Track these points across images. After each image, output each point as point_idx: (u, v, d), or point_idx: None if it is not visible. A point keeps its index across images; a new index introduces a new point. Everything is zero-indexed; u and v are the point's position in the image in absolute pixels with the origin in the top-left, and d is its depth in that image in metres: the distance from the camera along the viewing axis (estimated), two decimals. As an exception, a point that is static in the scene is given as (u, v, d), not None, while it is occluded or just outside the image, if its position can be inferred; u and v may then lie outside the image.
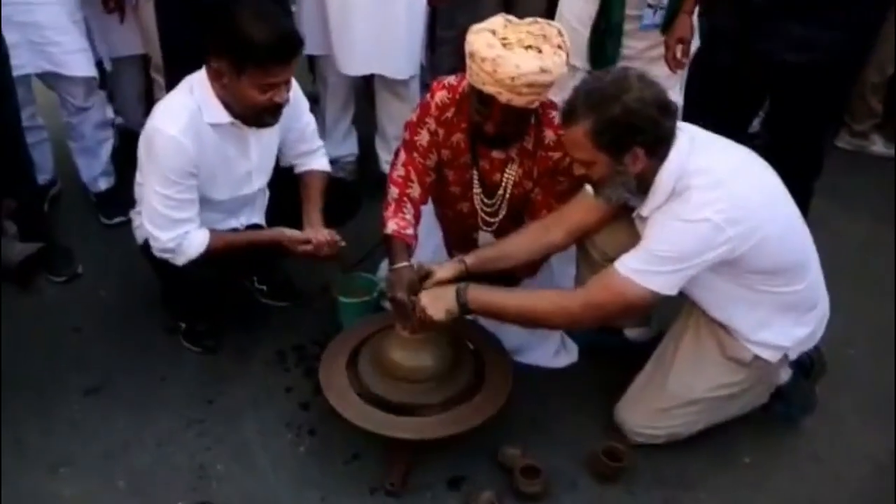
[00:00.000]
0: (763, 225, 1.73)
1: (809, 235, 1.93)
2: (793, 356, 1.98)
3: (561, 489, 1.95)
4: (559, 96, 2.34)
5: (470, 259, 2.04)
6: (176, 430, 2.10)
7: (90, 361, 2.30)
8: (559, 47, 1.85)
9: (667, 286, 1.75)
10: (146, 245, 2.17)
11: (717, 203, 1.69)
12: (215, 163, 2.07)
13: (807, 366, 2.14)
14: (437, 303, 1.88)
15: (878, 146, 3.58)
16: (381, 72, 2.77)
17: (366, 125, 3.20)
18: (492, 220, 2.22)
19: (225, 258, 2.12)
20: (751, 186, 1.77)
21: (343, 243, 2.21)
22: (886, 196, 3.22)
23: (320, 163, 2.35)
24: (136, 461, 2.01)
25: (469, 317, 2.22)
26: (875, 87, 3.46)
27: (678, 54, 2.46)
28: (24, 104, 2.64)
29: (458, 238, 2.35)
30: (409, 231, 2.08)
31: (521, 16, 1.93)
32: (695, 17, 2.50)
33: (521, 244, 2.06)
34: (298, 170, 2.35)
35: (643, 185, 1.81)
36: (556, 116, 2.04)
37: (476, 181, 2.17)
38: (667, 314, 2.17)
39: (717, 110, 2.27)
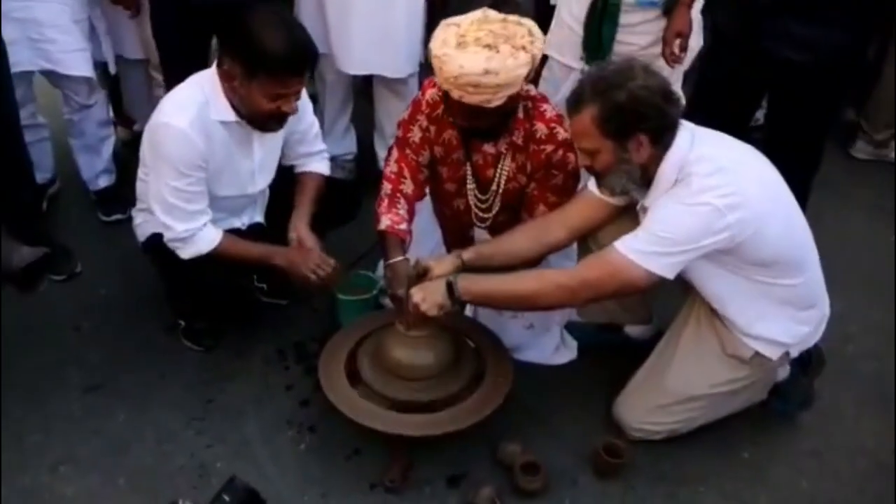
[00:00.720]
0: (763, 214, 1.75)
1: (809, 232, 1.94)
2: (794, 354, 1.99)
3: (561, 486, 1.96)
4: (556, 97, 2.37)
5: (467, 255, 2.04)
6: (176, 428, 2.10)
7: (90, 359, 2.30)
8: (522, 48, 1.85)
9: (664, 268, 1.75)
10: (148, 242, 2.17)
11: (719, 189, 1.70)
12: (221, 159, 2.07)
13: (805, 362, 2.14)
14: (429, 298, 1.87)
15: None
16: (381, 71, 2.78)
17: (364, 124, 3.20)
18: (485, 215, 2.23)
19: (230, 263, 2.12)
20: (751, 176, 1.78)
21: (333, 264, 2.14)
22: (893, 198, 3.22)
23: (319, 166, 2.35)
24: (137, 459, 2.01)
25: (468, 313, 2.25)
26: None
27: (676, 49, 2.46)
28: (25, 102, 2.64)
29: (456, 235, 2.36)
30: (403, 226, 2.10)
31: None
32: (698, 14, 2.49)
33: (520, 242, 2.06)
34: (298, 169, 2.35)
35: (646, 176, 1.82)
36: (547, 110, 2.05)
37: (469, 176, 2.17)
38: (667, 312, 2.18)
39: (718, 107, 2.28)
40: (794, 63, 2.18)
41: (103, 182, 2.95)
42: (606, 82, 1.74)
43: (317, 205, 2.25)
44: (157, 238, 2.11)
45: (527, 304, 1.93)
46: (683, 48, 2.43)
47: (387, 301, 2.41)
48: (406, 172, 2.15)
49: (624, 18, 2.48)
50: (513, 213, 2.20)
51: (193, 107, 1.98)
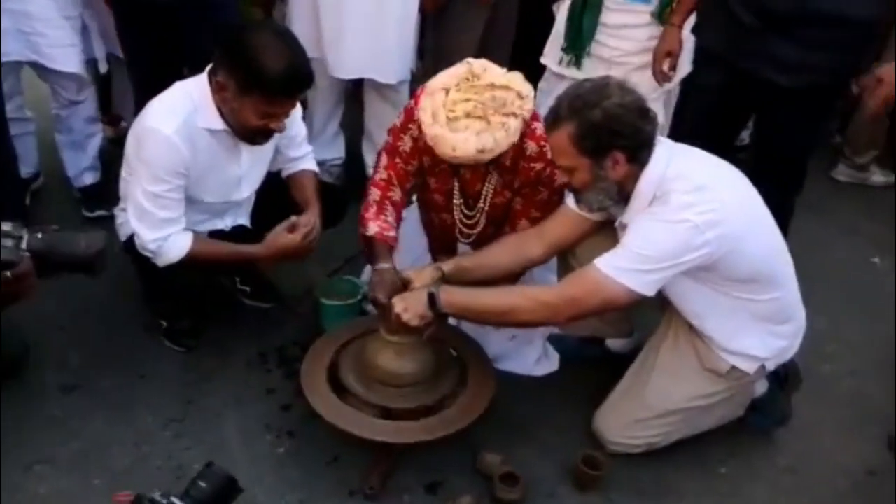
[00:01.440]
0: (740, 231, 1.77)
1: (785, 246, 1.97)
2: (770, 367, 2.01)
3: (540, 497, 1.96)
4: (546, 104, 2.39)
5: (448, 266, 2.05)
6: (154, 430, 2.08)
7: (69, 359, 2.28)
8: (513, 115, 1.87)
9: (644, 285, 1.77)
10: (129, 242, 2.16)
11: (697, 206, 1.72)
12: (206, 166, 2.07)
13: (782, 378, 2.17)
14: (411, 308, 1.88)
15: (878, 176, 3.62)
16: (373, 76, 2.79)
17: (353, 129, 3.21)
18: (471, 231, 2.24)
19: (209, 265, 2.11)
20: (729, 193, 1.80)
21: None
22: (874, 220, 3.29)
23: (310, 164, 2.36)
24: (114, 460, 1.99)
25: (451, 321, 2.25)
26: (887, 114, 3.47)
27: (665, 67, 2.49)
28: (12, 94, 2.63)
29: (441, 245, 2.37)
30: (391, 233, 2.10)
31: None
32: (691, 40, 2.51)
33: (500, 256, 2.07)
34: (286, 173, 2.35)
35: (624, 193, 1.84)
36: (538, 127, 2.06)
37: (457, 191, 2.19)
38: (648, 326, 2.20)
39: (703, 127, 2.30)
40: (777, 84, 2.21)
41: (88, 179, 2.93)
42: (582, 100, 1.76)
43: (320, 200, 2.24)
44: (136, 239, 2.10)
45: (507, 320, 1.93)
46: (673, 67, 2.46)
47: (370, 307, 2.42)
48: (395, 180, 2.16)
49: (609, 17, 2.51)
50: (497, 228, 2.22)
51: (181, 113, 1.98)
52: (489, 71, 1.92)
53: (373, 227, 2.08)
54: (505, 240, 2.10)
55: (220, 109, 2.01)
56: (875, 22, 2.14)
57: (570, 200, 2.00)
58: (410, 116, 2.12)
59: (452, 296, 1.87)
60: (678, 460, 2.07)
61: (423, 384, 1.98)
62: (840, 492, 2.06)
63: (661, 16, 2.47)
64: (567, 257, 2.13)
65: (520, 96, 1.90)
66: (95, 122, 2.90)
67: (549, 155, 2.03)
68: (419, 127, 2.09)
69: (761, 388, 2.15)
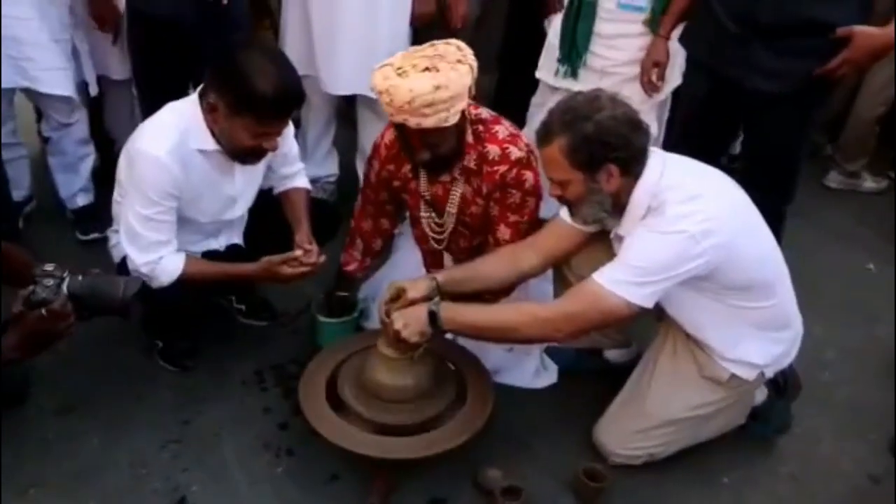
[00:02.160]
0: (736, 239, 1.77)
1: (779, 252, 1.97)
2: (769, 374, 2.01)
3: (542, 510, 1.94)
4: (537, 117, 2.41)
5: (442, 277, 2.05)
6: (151, 451, 2.06)
7: (64, 380, 2.25)
8: (458, 62, 1.90)
9: (643, 298, 1.76)
10: (123, 263, 2.14)
11: (693, 216, 1.73)
12: (200, 187, 2.06)
13: (781, 385, 2.17)
14: (411, 325, 1.87)
15: (869, 182, 3.65)
16: (366, 92, 2.78)
17: (345, 147, 3.21)
18: (440, 237, 2.27)
19: (203, 286, 2.10)
20: (724, 201, 1.81)
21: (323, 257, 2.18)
22: (871, 227, 3.31)
23: (302, 181, 2.36)
24: (109, 483, 1.97)
25: (449, 336, 2.24)
26: (878, 120, 3.49)
27: (653, 77, 2.50)
28: (6, 120, 2.62)
29: (432, 259, 2.38)
30: (350, 267, 2.40)
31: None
32: (682, 52, 2.53)
33: (493, 267, 2.07)
34: (279, 190, 2.35)
35: (618, 205, 1.84)
36: (500, 131, 2.09)
37: (423, 203, 2.22)
38: (647, 336, 2.20)
39: (693, 138, 2.31)
40: (762, 91, 2.22)
41: (81, 201, 2.92)
42: (574, 113, 1.76)
43: (311, 218, 2.24)
44: (131, 260, 2.09)
45: (509, 337, 1.93)
46: (661, 77, 2.47)
47: (367, 324, 2.41)
48: (367, 208, 2.35)
49: (602, 27, 2.52)
50: (473, 236, 2.23)
51: (173, 134, 1.97)
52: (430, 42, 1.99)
53: (342, 258, 2.32)
54: (499, 251, 2.10)
55: (211, 130, 2.01)
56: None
57: (563, 212, 2.00)
58: (376, 150, 2.26)
59: (453, 313, 1.87)
60: (680, 471, 2.06)
61: (421, 399, 1.97)
62: (842, 499, 2.05)
63: (654, 24, 2.49)
64: (563, 269, 2.13)
65: (460, 48, 1.95)
66: (87, 144, 2.89)
67: (514, 157, 2.05)
68: (384, 159, 2.23)
69: (761, 395, 2.14)
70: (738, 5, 2.17)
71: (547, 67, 2.70)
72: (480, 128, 2.09)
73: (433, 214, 2.25)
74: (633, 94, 2.39)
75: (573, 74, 2.63)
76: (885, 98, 3.43)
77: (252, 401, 2.24)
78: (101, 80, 2.90)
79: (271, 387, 2.29)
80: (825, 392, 2.37)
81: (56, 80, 2.58)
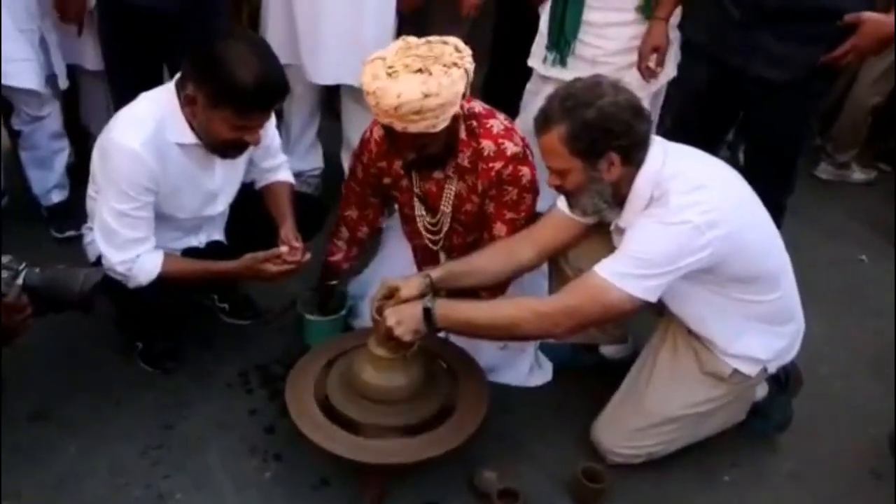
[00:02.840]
0: (741, 229, 1.72)
1: (782, 244, 1.92)
2: (771, 370, 1.97)
3: (540, 513, 1.89)
4: (533, 106, 2.35)
5: (436, 273, 1.97)
6: (131, 458, 1.97)
7: (38, 383, 2.15)
8: (454, 65, 1.81)
9: (647, 291, 1.70)
10: (99, 262, 2.05)
11: (697, 206, 1.67)
12: (178, 181, 1.97)
13: (782, 380, 2.13)
14: (405, 322, 1.79)
15: (858, 174, 3.64)
16: (351, 81, 2.70)
17: (328, 139, 3.12)
18: (435, 237, 2.20)
19: (183, 285, 2.02)
20: (727, 191, 1.76)
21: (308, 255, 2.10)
22: (862, 220, 3.28)
23: (285, 175, 2.28)
24: (88, 492, 1.88)
25: (441, 334, 2.17)
26: (872, 110, 3.47)
27: (651, 63, 2.44)
28: None
29: (425, 256, 2.31)
30: (335, 257, 2.32)
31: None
32: (677, 35, 2.46)
33: (489, 262, 2.00)
34: (261, 184, 2.26)
35: (618, 195, 1.78)
36: (494, 125, 2.01)
37: (416, 202, 2.15)
38: (644, 331, 2.14)
39: (691, 127, 2.26)
40: (766, 80, 2.17)
41: (56, 197, 2.82)
42: (575, 100, 1.70)
43: (295, 212, 2.16)
44: (105, 258, 2.00)
45: (506, 333, 1.86)
46: (660, 63, 2.41)
47: (357, 322, 2.34)
48: (351, 198, 2.28)
49: (591, 15, 2.46)
50: (468, 233, 2.16)
51: (148, 126, 1.88)
52: (426, 39, 1.90)
53: (327, 248, 2.27)
54: (495, 245, 2.03)
55: (189, 122, 1.92)
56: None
57: (560, 203, 1.94)
58: (364, 146, 2.18)
59: (449, 310, 1.79)
60: (681, 469, 2.01)
61: (413, 400, 1.89)
62: (843, 496, 2.01)
63: (647, 9, 2.43)
64: (560, 262, 2.07)
65: (457, 49, 1.85)
66: (61, 138, 2.78)
67: (510, 152, 1.98)
68: (374, 155, 2.16)
69: (761, 391, 2.10)
70: None
71: (538, 55, 2.64)
72: (474, 123, 2.01)
73: (426, 213, 2.17)
74: (629, 84, 2.32)
75: (562, 62, 2.57)
76: (881, 88, 3.41)
77: (237, 403, 2.16)
78: (75, 70, 2.80)
79: (257, 388, 2.21)
80: (823, 386, 2.33)
81: (22, 72, 2.46)
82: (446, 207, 2.12)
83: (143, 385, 2.19)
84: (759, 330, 1.88)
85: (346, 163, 2.99)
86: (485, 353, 2.18)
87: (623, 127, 1.68)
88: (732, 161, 2.81)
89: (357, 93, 2.77)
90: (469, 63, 1.85)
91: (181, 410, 2.12)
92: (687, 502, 1.95)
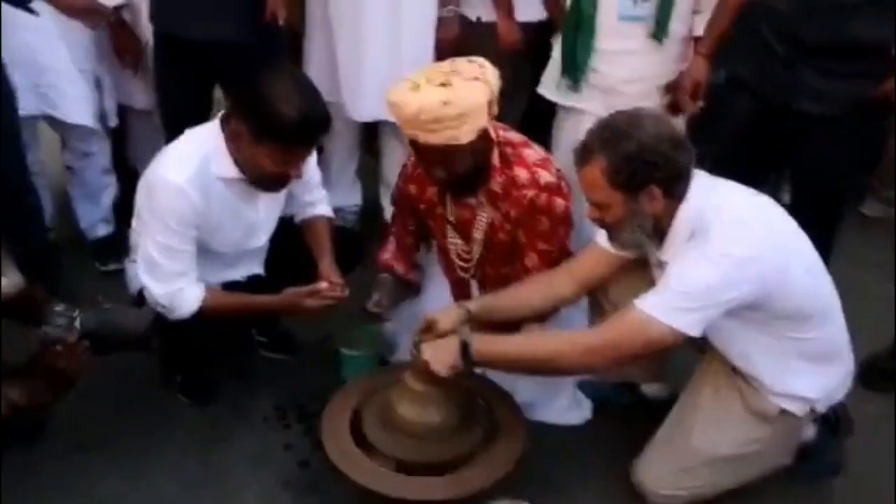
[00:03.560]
0: (786, 265, 1.69)
1: (830, 279, 1.87)
2: (820, 409, 1.90)
3: (578, 556, 1.84)
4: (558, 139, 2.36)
5: (473, 306, 1.96)
6: (170, 492, 1.98)
7: (79, 416, 2.16)
8: (475, 78, 1.84)
9: (690, 325, 1.67)
10: (140, 295, 2.08)
11: (741, 240, 1.65)
12: (221, 215, 2.00)
13: (832, 423, 2.05)
14: (441, 357, 1.78)
15: None
16: (390, 118, 2.74)
17: (366, 178, 3.16)
18: (467, 264, 2.19)
19: (223, 318, 2.04)
20: (771, 226, 1.73)
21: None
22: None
23: (325, 209, 2.30)
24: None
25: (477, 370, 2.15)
26: None
27: (687, 96, 2.42)
28: (29, 148, 2.59)
29: (460, 291, 2.30)
30: (386, 255, 2.36)
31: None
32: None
33: (528, 295, 1.99)
34: (300, 218, 2.29)
35: (659, 229, 1.76)
36: (530, 154, 2.01)
37: (449, 228, 2.16)
38: (684, 371, 2.09)
39: (734, 160, 2.23)
40: (811, 115, 2.14)
41: (101, 231, 2.89)
42: (615, 132, 1.69)
43: (335, 248, 2.18)
44: (148, 292, 2.03)
45: (545, 368, 1.82)
46: (699, 97, 2.39)
47: (394, 358, 2.33)
48: (402, 228, 2.34)
49: (604, 42, 2.45)
50: (502, 264, 2.15)
51: (194, 162, 1.92)
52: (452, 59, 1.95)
53: (381, 256, 2.33)
54: (534, 278, 2.02)
55: (233, 157, 1.95)
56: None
57: (599, 237, 1.92)
58: (403, 167, 2.24)
59: (485, 345, 1.77)
60: (726, 514, 1.94)
61: (450, 436, 1.87)
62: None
63: (660, 35, 2.42)
64: (599, 297, 2.04)
65: (481, 66, 1.88)
66: (109, 174, 2.87)
67: (543, 181, 1.97)
68: (406, 174, 2.23)
69: (811, 433, 2.02)
70: (784, 25, 2.11)
71: (549, 84, 2.65)
72: (509, 150, 2.02)
73: (459, 241, 2.18)
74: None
75: (575, 89, 2.57)
76: None
77: (273, 438, 2.16)
78: (125, 109, 2.90)
79: (294, 423, 2.21)
80: (873, 427, 2.23)
81: (78, 108, 2.57)
82: (478, 234, 2.12)
83: (183, 418, 2.21)
84: (807, 368, 1.82)
85: (384, 200, 3.02)
86: (521, 389, 2.14)
87: (664, 160, 1.67)
88: (776, 200, 2.76)
89: (395, 129, 2.81)
90: (492, 77, 1.87)
91: (220, 445, 2.12)
92: (732, 547, 1.89)
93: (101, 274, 2.81)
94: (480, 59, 1.93)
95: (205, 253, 2.03)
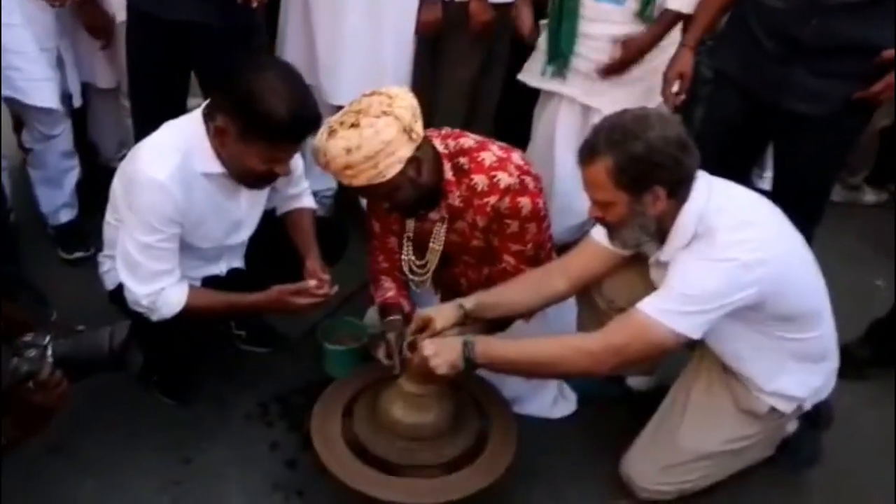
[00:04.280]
0: (788, 267, 1.70)
1: (823, 280, 1.89)
2: (806, 407, 1.94)
3: (568, 553, 1.85)
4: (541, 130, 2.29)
5: (469, 303, 1.93)
6: (149, 494, 1.92)
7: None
8: (383, 114, 1.77)
9: (693, 328, 1.67)
10: (116, 291, 2.00)
11: (745, 243, 1.65)
12: (204, 211, 1.92)
13: (812, 416, 2.09)
14: (442, 355, 1.74)
15: (869, 195, 3.62)
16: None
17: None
18: (419, 277, 2.14)
19: (204, 317, 1.97)
20: (774, 228, 1.74)
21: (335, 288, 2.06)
22: (874, 243, 3.26)
23: (308, 201, 2.23)
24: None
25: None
26: (881, 132, 3.44)
27: (675, 89, 2.41)
28: None
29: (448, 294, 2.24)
30: (391, 294, 2.12)
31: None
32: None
33: (521, 292, 1.96)
34: (282, 210, 2.21)
35: (661, 229, 1.75)
36: (486, 157, 1.94)
37: (406, 242, 2.11)
38: (669, 363, 2.10)
39: (723, 155, 2.22)
40: (800, 114, 2.15)
41: (64, 217, 2.76)
42: (622, 132, 1.66)
43: (318, 241, 2.12)
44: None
45: (548, 371, 1.83)
46: (684, 89, 2.38)
47: (378, 353, 2.29)
48: (376, 243, 2.18)
49: (589, 28, 2.46)
50: (483, 266, 2.09)
51: (174, 157, 1.83)
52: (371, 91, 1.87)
53: (377, 298, 2.13)
54: (527, 275, 1.99)
55: (217, 153, 1.87)
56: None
57: (595, 233, 1.91)
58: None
59: (489, 347, 1.75)
60: (712, 506, 1.98)
61: (443, 437, 1.85)
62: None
63: (646, 16, 2.41)
64: (592, 294, 2.03)
65: (389, 96, 1.81)
66: (72, 157, 2.72)
67: (503, 184, 1.91)
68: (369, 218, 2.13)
69: (792, 427, 2.06)
70: (778, 24, 2.09)
71: (532, 70, 2.63)
72: (462, 160, 1.95)
73: (413, 256, 2.12)
74: (626, 102, 2.28)
75: (560, 75, 2.56)
76: (888, 110, 3.39)
77: (257, 436, 2.11)
78: (87, 88, 2.76)
79: (277, 420, 2.16)
80: (849, 417, 2.29)
81: (42, 90, 2.43)
82: (436, 246, 2.05)
83: (161, 417, 2.14)
84: (798, 368, 1.85)
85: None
86: (509, 383, 2.13)
87: (671, 161, 1.65)
88: (751, 185, 2.78)
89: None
90: (401, 106, 1.79)
91: (200, 444, 2.07)
92: (719, 540, 1.93)
93: (65, 263, 2.69)
94: (390, 90, 1.84)
95: (186, 249, 1.95)
